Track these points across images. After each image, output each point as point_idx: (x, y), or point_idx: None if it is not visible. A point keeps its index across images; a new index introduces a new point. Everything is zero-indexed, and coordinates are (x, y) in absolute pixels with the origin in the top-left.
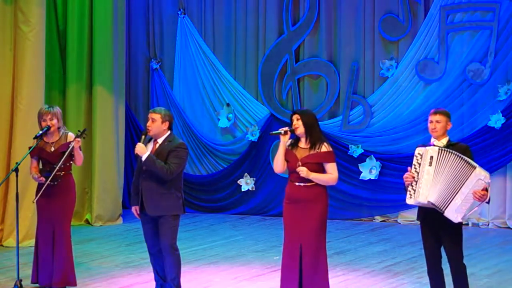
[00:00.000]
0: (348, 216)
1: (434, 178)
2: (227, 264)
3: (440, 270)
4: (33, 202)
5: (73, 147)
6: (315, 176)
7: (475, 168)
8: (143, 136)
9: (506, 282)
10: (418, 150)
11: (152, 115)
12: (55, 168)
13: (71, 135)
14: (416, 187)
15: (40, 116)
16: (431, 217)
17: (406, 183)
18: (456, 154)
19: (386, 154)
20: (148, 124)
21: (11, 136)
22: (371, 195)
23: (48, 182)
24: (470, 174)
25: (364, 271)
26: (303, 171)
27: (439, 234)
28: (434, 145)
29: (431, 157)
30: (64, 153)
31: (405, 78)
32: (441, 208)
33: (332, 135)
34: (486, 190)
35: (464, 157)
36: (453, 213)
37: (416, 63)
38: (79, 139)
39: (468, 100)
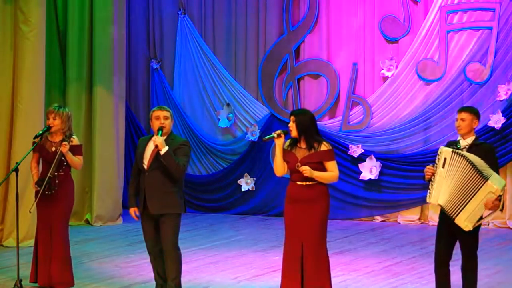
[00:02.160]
0: (348, 216)
1: (445, 182)
2: (227, 264)
3: (448, 270)
4: (29, 212)
5: (61, 152)
6: (318, 175)
7: (486, 180)
8: (160, 131)
9: (506, 282)
10: (440, 149)
11: (164, 113)
12: (48, 176)
13: (74, 139)
14: (431, 187)
15: (46, 114)
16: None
17: (426, 177)
18: (468, 161)
19: (386, 154)
20: (162, 121)
21: (11, 136)
22: (371, 195)
23: (42, 190)
24: (481, 187)
25: (364, 271)
26: (306, 170)
27: (456, 233)
28: (459, 144)
29: (445, 159)
30: (59, 159)
31: (405, 78)
32: (452, 214)
33: (332, 135)
34: (499, 200)
35: (476, 165)
36: (463, 222)
37: (416, 63)
38: (65, 143)
39: (468, 100)
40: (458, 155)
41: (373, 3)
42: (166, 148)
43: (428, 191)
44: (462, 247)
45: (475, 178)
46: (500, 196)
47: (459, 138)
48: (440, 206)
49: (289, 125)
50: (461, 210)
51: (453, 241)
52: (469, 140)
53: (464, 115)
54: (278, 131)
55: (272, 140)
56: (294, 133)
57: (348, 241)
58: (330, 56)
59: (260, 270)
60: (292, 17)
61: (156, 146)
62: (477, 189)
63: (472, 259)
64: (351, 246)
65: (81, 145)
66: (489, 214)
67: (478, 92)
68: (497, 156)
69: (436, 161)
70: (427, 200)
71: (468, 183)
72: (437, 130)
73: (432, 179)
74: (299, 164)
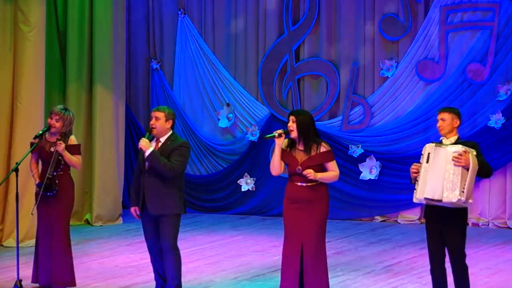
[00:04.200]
0: (348, 216)
1: (429, 175)
2: (227, 264)
3: (443, 270)
4: (31, 214)
5: (57, 151)
6: (321, 176)
7: (445, 147)
8: (147, 133)
9: (506, 282)
10: (424, 147)
11: (156, 114)
12: (46, 177)
13: (72, 138)
14: (417, 185)
15: (50, 114)
16: (436, 215)
17: (412, 175)
18: (446, 147)
19: (386, 154)
20: (152, 122)
21: (11, 136)
22: (371, 195)
23: (41, 191)
24: (440, 152)
25: (364, 271)
26: (311, 173)
27: (443, 233)
28: (442, 143)
29: (428, 154)
30: (56, 159)
31: (405, 78)
32: (438, 199)
33: (332, 135)
34: (467, 153)
35: (448, 145)
36: (449, 194)
37: (416, 63)
38: (60, 142)
39: (468, 100)
40: (441, 148)
41: (373, 3)
42: (150, 149)
43: (415, 191)
44: (448, 246)
45: (438, 152)
46: (465, 151)
47: (441, 138)
48: (428, 199)
49: (289, 125)
50: (443, 188)
51: (443, 240)
52: (452, 139)
53: (444, 115)
54: (279, 131)
55: (272, 139)
56: (294, 133)
57: (348, 241)
58: (330, 56)
59: (260, 270)
60: (292, 17)
61: (140, 149)
62: (439, 157)
63: (459, 257)
64: (351, 246)
65: (79, 144)
66: (470, 174)
67: (478, 92)
68: (482, 153)
69: (421, 160)
70: (414, 200)
71: (436, 160)
72: (437, 130)
73: (418, 178)
74: (300, 168)
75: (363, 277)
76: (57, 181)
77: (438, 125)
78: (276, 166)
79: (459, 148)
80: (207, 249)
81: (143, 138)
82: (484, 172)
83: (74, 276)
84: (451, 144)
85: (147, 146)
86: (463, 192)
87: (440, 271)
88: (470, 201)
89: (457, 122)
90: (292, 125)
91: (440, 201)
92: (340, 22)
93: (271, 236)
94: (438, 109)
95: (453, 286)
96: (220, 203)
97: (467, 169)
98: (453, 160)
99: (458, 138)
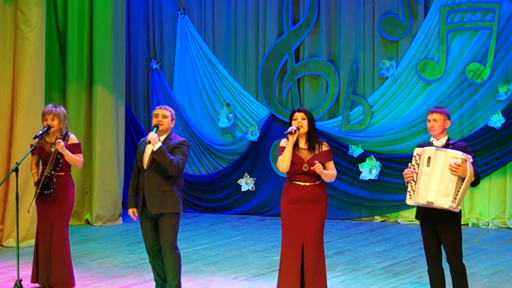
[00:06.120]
0: (348, 216)
1: (432, 178)
2: (227, 264)
3: (441, 269)
4: (28, 212)
5: (56, 150)
6: (326, 172)
7: (444, 151)
8: (155, 128)
9: (506, 282)
10: (417, 150)
11: (163, 112)
12: (45, 175)
13: (72, 137)
14: (415, 188)
15: (43, 115)
16: (430, 216)
17: (406, 179)
18: (446, 151)
19: (386, 154)
20: (159, 119)
21: (11, 136)
22: (371, 195)
23: (38, 189)
24: (439, 156)
25: (364, 271)
26: (320, 167)
27: (439, 233)
28: (433, 144)
29: (429, 158)
30: (55, 157)
31: (405, 78)
32: (431, 201)
33: (332, 135)
34: (464, 164)
35: (448, 150)
36: (442, 198)
37: (416, 63)
38: (59, 140)
39: (468, 100)
40: (441, 151)
41: (373, 3)
42: (159, 144)
43: (407, 194)
44: (444, 246)
45: (440, 155)
46: (465, 160)
47: (432, 139)
48: (430, 203)
49: (299, 121)
50: (436, 192)
51: (439, 240)
52: (443, 140)
53: (436, 115)
54: (294, 127)
55: (276, 136)
56: (304, 129)
57: (348, 241)
58: (330, 56)
59: (260, 270)
60: (292, 17)
61: (149, 142)
62: (436, 160)
63: (457, 257)
64: (351, 246)
65: (79, 143)
66: (464, 185)
67: (478, 92)
68: (473, 155)
69: (414, 163)
70: (408, 202)
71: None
72: None
73: (415, 180)
74: (307, 166)
75: (363, 277)
76: (55, 180)
77: (429, 126)
78: (287, 163)
79: (459, 155)
80: (207, 249)
81: (152, 132)
82: (474, 182)
83: (73, 276)
84: (451, 147)
85: (156, 140)
86: (455, 199)
87: (438, 271)
88: (460, 207)
89: (448, 123)
90: (302, 122)
91: (432, 203)
92: (340, 22)
93: (271, 236)
94: (430, 110)
95: (452, 286)
96: (220, 203)
97: (463, 178)
98: (450, 168)
99: (448, 139)
